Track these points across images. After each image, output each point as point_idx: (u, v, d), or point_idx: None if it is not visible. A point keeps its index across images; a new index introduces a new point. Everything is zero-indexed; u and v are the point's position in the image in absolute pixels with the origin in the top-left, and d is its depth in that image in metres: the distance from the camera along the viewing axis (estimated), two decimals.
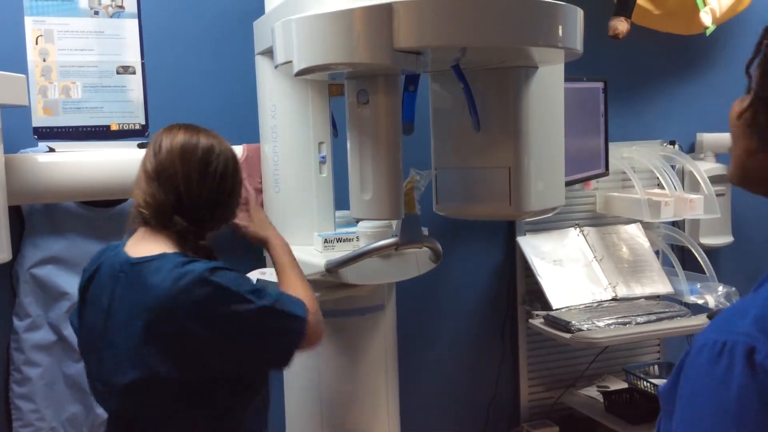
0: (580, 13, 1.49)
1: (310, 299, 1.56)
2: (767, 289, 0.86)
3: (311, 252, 2.06)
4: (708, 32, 2.58)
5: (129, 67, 2.25)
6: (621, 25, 2.43)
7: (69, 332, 2.17)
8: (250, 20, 2.15)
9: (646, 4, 2.56)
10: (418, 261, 1.99)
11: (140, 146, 2.24)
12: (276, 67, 1.66)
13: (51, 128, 2.19)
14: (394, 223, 1.96)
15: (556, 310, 2.53)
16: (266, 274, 1.95)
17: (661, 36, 2.77)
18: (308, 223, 2.12)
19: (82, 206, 2.19)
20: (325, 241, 2.02)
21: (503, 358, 2.81)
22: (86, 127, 2.22)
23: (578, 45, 1.49)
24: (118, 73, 2.24)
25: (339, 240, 2.04)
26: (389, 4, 1.31)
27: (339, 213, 2.19)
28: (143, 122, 2.28)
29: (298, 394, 2.18)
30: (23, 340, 2.14)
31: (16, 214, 2.14)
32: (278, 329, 1.46)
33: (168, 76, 2.30)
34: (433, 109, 1.82)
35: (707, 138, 2.96)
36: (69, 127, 2.20)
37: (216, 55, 2.34)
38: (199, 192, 1.46)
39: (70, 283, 2.16)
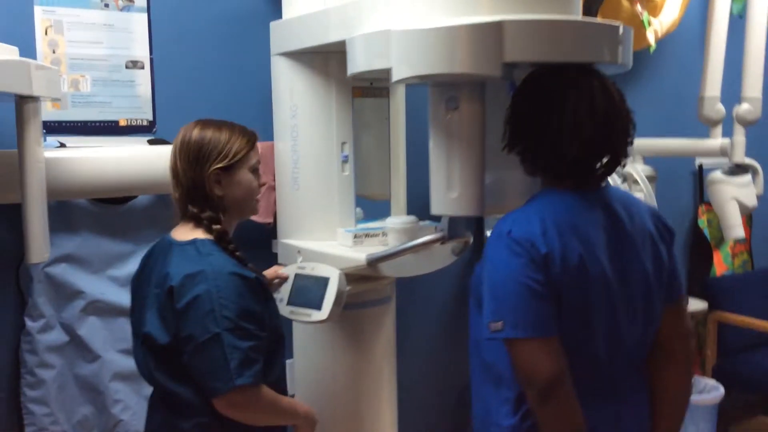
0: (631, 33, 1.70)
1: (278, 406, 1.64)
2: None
3: (336, 246, 2.15)
4: (651, 50, 2.91)
5: (138, 62, 2.22)
6: None
7: (83, 332, 2.13)
8: (263, 20, 2.20)
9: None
10: (443, 254, 2.14)
11: (151, 143, 2.22)
12: (350, 74, 1.75)
13: (60, 122, 2.12)
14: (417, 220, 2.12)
15: None
16: (306, 269, 2.03)
17: None
18: (329, 219, 2.20)
19: (94, 203, 2.15)
20: (355, 236, 2.12)
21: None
22: (95, 122, 2.17)
23: (630, 62, 1.70)
24: (127, 67, 2.20)
25: (367, 235, 2.14)
26: (500, 23, 1.46)
27: None
28: (151, 118, 2.25)
29: (307, 385, 2.26)
30: (37, 341, 2.07)
31: None
32: (209, 363, 1.53)
33: (176, 73, 2.29)
34: None
35: (638, 142, 3.31)
36: (78, 122, 2.14)
37: (226, 53, 2.35)
38: (191, 180, 1.63)
39: (83, 281, 2.12)
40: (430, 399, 2.96)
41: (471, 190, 1.62)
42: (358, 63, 1.71)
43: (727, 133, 3.26)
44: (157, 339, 1.59)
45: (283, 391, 1.73)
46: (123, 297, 2.17)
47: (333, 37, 1.93)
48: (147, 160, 2.13)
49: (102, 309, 2.15)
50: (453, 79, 1.57)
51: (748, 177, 3.29)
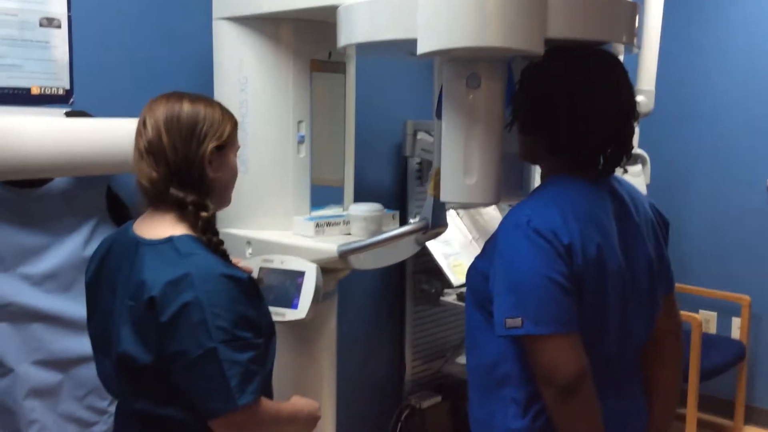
0: None
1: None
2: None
3: (295, 237, 1.95)
4: None
5: (54, 19, 1.87)
6: None
7: None
8: None
9: None
10: (408, 244, 2.00)
11: (69, 115, 1.88)
12: (341, 47, 1.57)
13: None
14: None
15: (459, 286, 2.70)
16: (274, 263, 1.81)
17: None
18: (282, 206, 2.00)
19: (3, 187, 1.79)
20: (317, 225, 1.93)
21: (393, 336, 2.91)
22: (2, 89, 1.80)
23: None
24: (41, 25, 1.85)
25: (329, 224, 1.96)
26: None
27: None
28: (68, 87, 1.91)
29: None
30: None
31: None
32: (208, 379, 1.32)
33: (98, 34, 1.96)
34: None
35: None
36: None
37: (158, 12, 2.05)
38: (184, 159, 1.41)
39: None
40: (364, 393, 2.83)
41: (490, 176, 1.49)
42: (358, 32, 1.52)
43: None
44: (137, 359, 1.34)
45: (269, 394, 1.53)
46: (38, 298, 1.85)
47: (303, 3, 1.73)
48: (66, 136, 1.81)
49: (13, 314, 1.80)
50: (485, 54, 1.43)
51: (639, 167, 3.44)
